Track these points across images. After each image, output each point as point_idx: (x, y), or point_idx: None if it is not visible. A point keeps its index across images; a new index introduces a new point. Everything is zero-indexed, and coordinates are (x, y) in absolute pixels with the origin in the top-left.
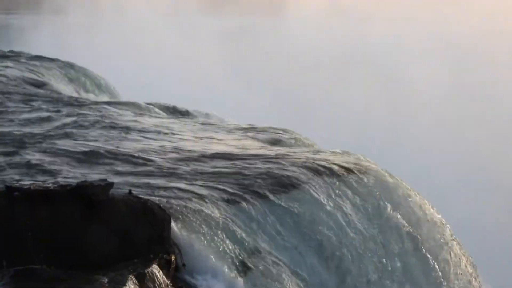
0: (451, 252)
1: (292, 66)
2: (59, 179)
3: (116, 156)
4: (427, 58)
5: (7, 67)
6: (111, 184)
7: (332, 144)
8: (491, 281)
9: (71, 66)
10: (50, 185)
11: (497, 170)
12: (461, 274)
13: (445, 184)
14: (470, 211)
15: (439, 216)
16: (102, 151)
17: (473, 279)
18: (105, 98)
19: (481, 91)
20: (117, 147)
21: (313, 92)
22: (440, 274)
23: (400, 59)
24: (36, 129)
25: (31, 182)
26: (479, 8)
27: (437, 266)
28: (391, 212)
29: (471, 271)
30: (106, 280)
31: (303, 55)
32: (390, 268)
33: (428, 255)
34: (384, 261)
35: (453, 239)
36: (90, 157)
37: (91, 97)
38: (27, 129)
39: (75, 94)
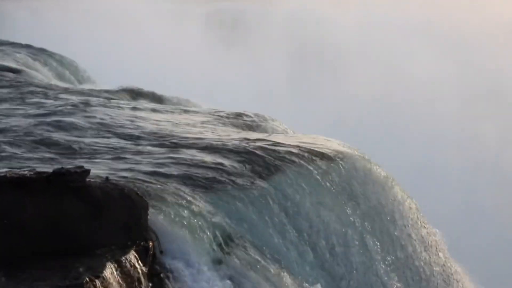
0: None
1: (287, 55)
2: (35, 166)
3: (90, 143)
4: (429, 51)
5: None
6: (87, 171)
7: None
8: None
9: (43, 51)
10: (26, 172)
11: (501, 165)
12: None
13: (446, 178)
14: (470, 205)
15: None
16: (73, 139)
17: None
18: (80, 84)
19: (485, 85)
20: (89, 134)
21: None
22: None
23: (401, 52)
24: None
25: (7, 169)
26: (485, 1)
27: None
28: (365, 194)
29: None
30: (82, 268)
31: (299, 44)
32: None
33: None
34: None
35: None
36: (62, 146)
37: (64, 83)
38: None
39: (46, 80)
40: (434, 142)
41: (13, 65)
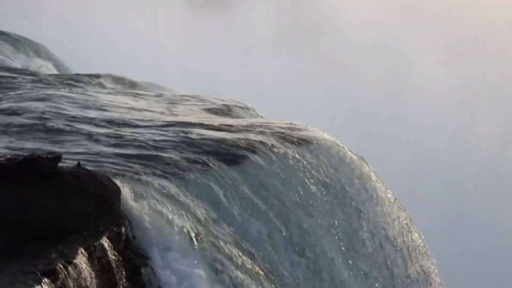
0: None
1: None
2: (6, 152)
3: (62, 129)
4: (434, 53)
5: None
6: (59, 157)
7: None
8: None
9: (17, 37)
10: None
11: (505, 166)
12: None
13: (449, 179)
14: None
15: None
16: (44, 124)
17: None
18: (49, 70)
19: (490, 87)
20: (62, 120)
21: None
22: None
23: (407, 54)
24: None
25: None
26: (490, 2)
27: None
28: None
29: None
30: (55, 254)
31: None
32: None
33: None
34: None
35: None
36: (34, 131)
37: (40, 70)
38: None
39: (19, 67)
40: (436, 140)
41: None
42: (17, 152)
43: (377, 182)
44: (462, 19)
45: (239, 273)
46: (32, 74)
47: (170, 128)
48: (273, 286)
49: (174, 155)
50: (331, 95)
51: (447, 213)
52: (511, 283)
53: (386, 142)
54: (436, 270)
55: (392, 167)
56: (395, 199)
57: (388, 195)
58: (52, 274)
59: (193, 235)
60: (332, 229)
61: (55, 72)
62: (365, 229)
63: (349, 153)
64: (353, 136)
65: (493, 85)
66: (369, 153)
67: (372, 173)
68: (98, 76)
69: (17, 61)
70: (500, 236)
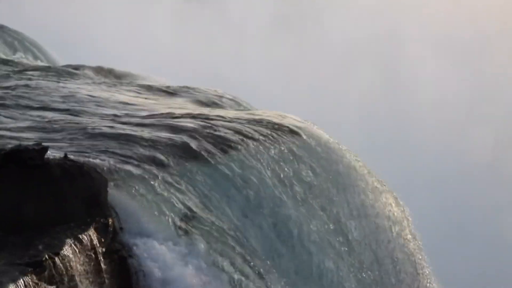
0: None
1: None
2: None
3: (48, 121)
4: (432, 55)
5: None
6: (46, 148)
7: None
8: None
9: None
10: None
11: (499, 170)
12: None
13: (449, 182)
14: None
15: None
16: (31, 115)
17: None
18: (37, 61)
19: (485, 90)
20: (47, 111)
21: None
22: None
23: (404, 56)
24: None
25: None
26: (484, 6)
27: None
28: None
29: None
30: (42, 245)
31: None
32: None
33: None
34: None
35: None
36: (24, 124)
37: (21, 60)
38: None
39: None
40: (433, 145)
41: None
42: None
43: (362, 171)
44: (457, 21)
45: (225, 261)
46: (18, 64)
47: (158, 119)
48: (257, 272)
49: (162, 146)
50: (328, 91)
51: (441, 216)
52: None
53: (380, 142)
54: (423, 256)
55: (385, 168)
56: (382, 186)
57: (370, 180)
58: (38, 266)
59: (180, 225)
60: (318, 215)
61: (42, 63)
62: (350, 215)
63: (337, 145)
64: (348, 134)
65: (488, 88)
66: (361, 153)
67: (357, 164)
68: (84, 67)
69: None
70: (495, 239)
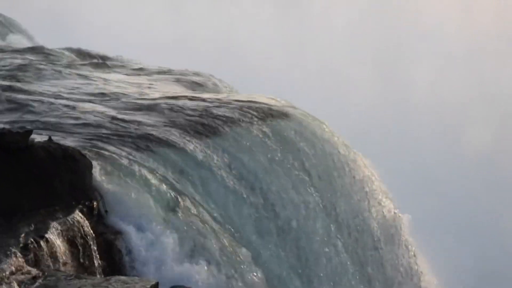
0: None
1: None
2: None
3: (31, 104)
4: (427, 56)
5: None
6: (30, 131)
7: None
8: None
9: None
10: None
11: (496, 171)
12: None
13: (441, 183)
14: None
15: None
16: (18, 99)
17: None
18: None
19: (483, 91)
20: (31, 94)
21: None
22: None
23: (400, 58)
24: None
25: None
26: (481, 7)
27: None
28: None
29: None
30: (27, 228)
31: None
32: None
33: None
34: None
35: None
36: (7, 107)
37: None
38: None
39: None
40: (430, 146)
41: None
42: None
43: (346, 151)
44: (457, 23)
45: (208, 241)
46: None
47: (143, 102)
48: (239, 251)
49: (145, 129)
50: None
51: (437, 217)
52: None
53: (377, 144)
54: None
55: (381, 169)
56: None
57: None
58: (24, 249)
59: (165, 209)
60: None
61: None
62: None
63: (322, 125)
64: (346, 131)
65: (486, 89)
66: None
67: (342, 143)
68: (69, 50)
69: None
70: (491, 239)
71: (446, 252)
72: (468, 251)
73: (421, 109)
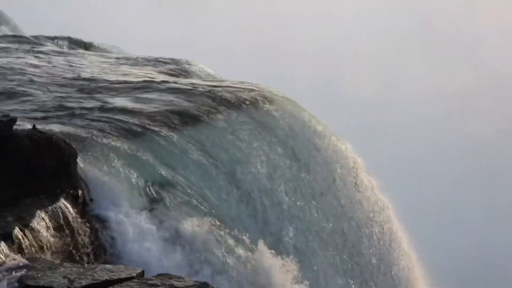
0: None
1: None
2: None
3: (14, 91)
4: (428, 53)
5: None
6: (14, 119)
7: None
8: None
9: None
10: None
11: (498, 165)
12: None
13: (442, 178)
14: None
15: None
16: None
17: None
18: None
19: (484, 86)
20: (20, 83)
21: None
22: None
23: (400, 51)
24: None
25: None
26: (483, 3)
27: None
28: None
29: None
30: (11, 217)
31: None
32: None
33: None
34: None
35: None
36: None
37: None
38: None
39: None
40: (431, 141)
41: None
42: None
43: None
44: (457, 18)
45: (188, 226)
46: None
47: (126, 89)
48: (222, 233)
49: (130, 117)
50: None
51: (439, 213)
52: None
53: (377, 139)
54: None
55: (383, 165)
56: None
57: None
58: (8, 238)
59: (149, 193)
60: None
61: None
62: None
63: (304, 112)
64: (344, 127)
65: (488, 84)
66: (359, 149)
67: (326, 130)
68: (54, 38)
69: None
70: (493, 236)
71: (444, 247)
72: (473, 248)
73: (420, 104)
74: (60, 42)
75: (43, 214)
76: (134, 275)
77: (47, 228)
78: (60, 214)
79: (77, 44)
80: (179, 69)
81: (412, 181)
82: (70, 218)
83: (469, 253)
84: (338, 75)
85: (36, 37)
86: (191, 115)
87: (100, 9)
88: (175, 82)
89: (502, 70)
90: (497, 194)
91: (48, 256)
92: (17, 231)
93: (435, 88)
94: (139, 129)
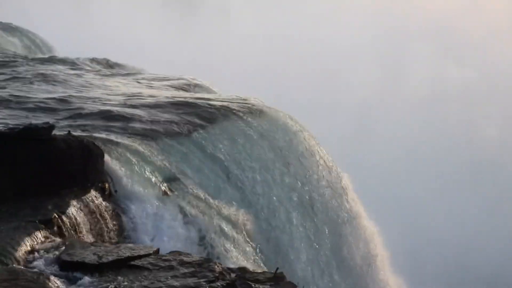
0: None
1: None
2: (8, 123)
3: (55, 104)
4: (433, 53)
5: None
6: (52, 126)
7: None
8: None
9: (10, 27)
10: (1, 128)
11: (502, 167)
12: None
13: (446, 180)
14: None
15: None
16: (42, 99)
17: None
18: (43, 55)
19: (489, 88)
20: (54, 96)
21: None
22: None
23: (402, 51)
24: None
25: None
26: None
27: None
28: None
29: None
30: (51, 206)
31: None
32: None
33: None
34: None
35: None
36: (33, 106)
37: (31, 54)
38: None
39: (18, 52)
40: (435, 142)
41: None
42: (16, 122)
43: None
44: (462, 19)
45: (196, 212)
46: (26, 57)
47: (144, 101)
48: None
49: (146, 124)
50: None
51: (442, 215)
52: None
53: (380, 139)
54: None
55: (386, 166)
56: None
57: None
58: (48, 223)
59: (162, 187)
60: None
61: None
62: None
63: (289, 120)
64: (347, 132)
65: (492, 86)
66: (360, 149)
67: (301, 133)
68: (92, 60)
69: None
70: (493, 235)
71: (450, 248)
72: (478, 252)
73: (425, 105)
74: (97, 64)
75: (76, 203)
76: (151, 252)
77: (80, 214)
78: (90, 202)
79: (101, 64)
80: (187, 86)
81: (414, 182)
82: (98, 206)
83: (477, 255)
84: (338, 74)
85: (77, 58)
86: (204, 121)
87: (117, 29)
88: (187, 95)
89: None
90: (498, 193)
91: (81, 237)
92: (55, 217)
93: (437, 88)
94: (157, 133)
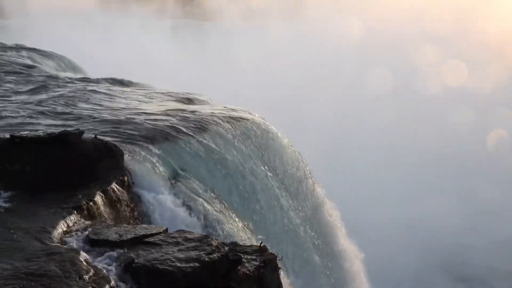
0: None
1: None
2: (47, 129)
3: (85, 115)
4: (439, 57)
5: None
6: (82, 132)
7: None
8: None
9: (49, 53)
10: (40, 133)
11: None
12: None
13: (459, 181)
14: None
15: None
16: (73, 111)
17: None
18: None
19: (498, 92)
20: (85, 109)
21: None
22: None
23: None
24: (27, 97)
25: (27, 132)
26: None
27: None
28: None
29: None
30: (81, 195)
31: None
32: None
33: None
34: None
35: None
36: (66, 116)
37: (67, 75)
38: (22, 97)
39: (55, 73)
40: (444, 143)
41: (28, 61)
42: (53, 129)
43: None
44: (470, 21)
45: (202, 202)
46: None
47: (155, 111)
48: (227, 213)
49: (158, 129)
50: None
51: (454, 215)
52: None
53: (387, 142)
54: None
55: (395, 167)
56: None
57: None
58: (78, 208)
59: (171, 180)
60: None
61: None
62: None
63: (273, 127)
64: (350, 138)
65: (503, 90)
66: (364, 151)
67: (284, 139)
68: (104, 80)
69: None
70: (504, 236)
71: (459, 249)
72: (475, 250)
73: (434, 109)
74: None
75: (101, 193)
76: (161, 231)
77: (104, 202)
78: (112, 193)
79: (118, 82)
80: (188, 99)
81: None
82: (119, 195)
83: (475, 253)
84: (347, 73)
85: (98, 79)
86: (201, 128)
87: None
88: (189, 107)
89: None
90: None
91: (106, 220)
92: (85, 203)
93: (447, 92)
94: (164, 136)
